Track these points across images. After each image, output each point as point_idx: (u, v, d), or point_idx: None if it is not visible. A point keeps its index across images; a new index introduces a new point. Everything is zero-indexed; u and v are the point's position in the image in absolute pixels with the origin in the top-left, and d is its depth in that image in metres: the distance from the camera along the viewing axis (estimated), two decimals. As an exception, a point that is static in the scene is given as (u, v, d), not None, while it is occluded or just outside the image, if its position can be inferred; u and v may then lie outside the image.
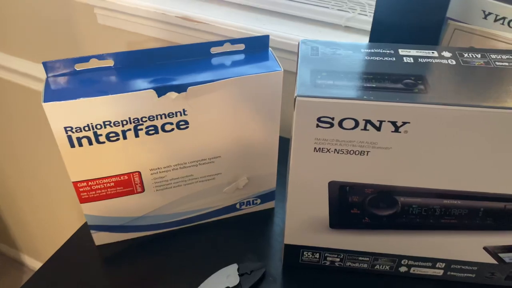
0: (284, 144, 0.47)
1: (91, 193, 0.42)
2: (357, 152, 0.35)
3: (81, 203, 0.43)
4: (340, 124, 0.33)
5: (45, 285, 0.44)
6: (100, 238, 0.47)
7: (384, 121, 0.32)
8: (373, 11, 0.43)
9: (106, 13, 0.68)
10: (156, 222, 0.47)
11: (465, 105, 0.31)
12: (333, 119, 0.33)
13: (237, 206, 0.50)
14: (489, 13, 0.42)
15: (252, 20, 0.61)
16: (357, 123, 0.33)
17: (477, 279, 0.43)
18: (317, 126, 0.33)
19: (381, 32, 0.44)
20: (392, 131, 0.33)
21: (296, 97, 0.32)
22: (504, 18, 0.41)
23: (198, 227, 0.49)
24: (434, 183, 0.36)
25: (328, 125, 0.33)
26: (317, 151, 0.35)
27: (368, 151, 0.34)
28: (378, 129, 0.33)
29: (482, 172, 0.35)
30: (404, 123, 0.32)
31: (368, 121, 0.33)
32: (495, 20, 0.42)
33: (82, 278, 0.44)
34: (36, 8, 0.78)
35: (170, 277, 0.44)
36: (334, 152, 0.35)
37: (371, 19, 0.44)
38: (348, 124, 0.33)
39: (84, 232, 0.49)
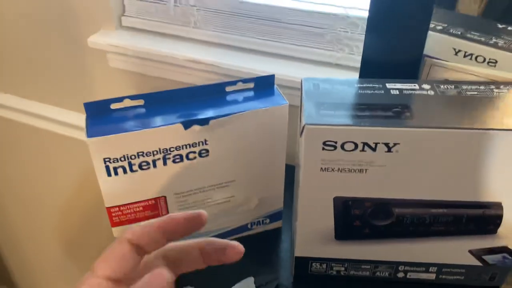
0: (288, 171, 0.53)
1: (122, 217, 0.47)
2: (357, 170, 0.41)
3: (112, 227, 0.48)
4: (342, 146, 0.39)
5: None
6: (126, 259, 0.51)
7: (379, 143, 0.39)
8: (360, 52, 0.51)
9: (118, 57, 0.75)
10: (177, 243, 0.52)
11: (444, 127, 0.38)
12: (336, 142, 0.39)
13: (249, 226, 0.55)
14: (459, 50, 0.49)
15: (252, 61, 0.68)
16: (356, 146, 0.39)
17: (466, 281, 0.48)
18: (323, 149, 0.40)
19: (368, 69, 0.51)
20: (385, 151, 0.39)
21: (304, 125, 0.39)
22: (471, 54, 0.49)
23: (215, 246, 0.54)
24: (423, 195, 0.42)
25: (332, 148, 0.40)
26: (323, 171, 0.41)
27: (366, 169, 0.41)
28: (374, 149, 0.39)
29: (462, 183, 0.41)
30: (395, 144, 0.39)
31: (365, 143, 0.39)
32: (464, 56, 0.49)
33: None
34: (52, 54, 0.84)
35: (193, 292, 0.49)
36: (338, 171, 0.41)
37: (358, 58, 0.51)
38: (349, 146, 0.39)
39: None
